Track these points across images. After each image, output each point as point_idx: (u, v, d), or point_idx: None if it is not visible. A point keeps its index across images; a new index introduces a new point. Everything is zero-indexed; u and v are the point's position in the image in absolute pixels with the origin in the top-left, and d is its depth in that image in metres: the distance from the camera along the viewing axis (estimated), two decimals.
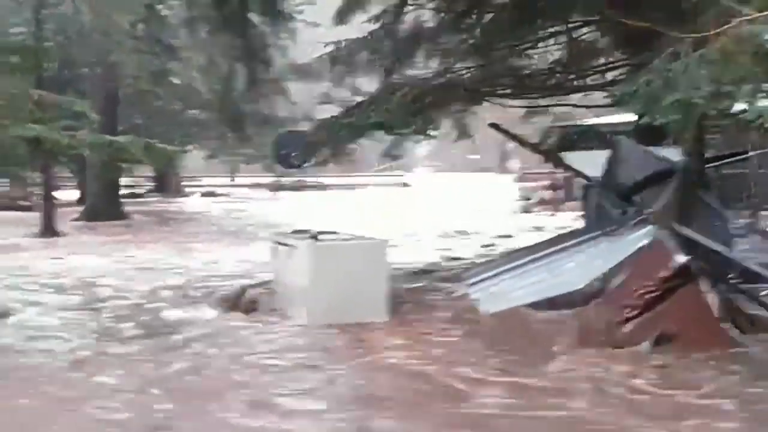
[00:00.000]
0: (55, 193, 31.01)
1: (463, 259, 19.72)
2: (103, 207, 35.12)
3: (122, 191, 38.47)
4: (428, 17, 18.49)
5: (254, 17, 21.16)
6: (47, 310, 15.35)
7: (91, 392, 10.19)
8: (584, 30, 17.45)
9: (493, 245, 22.40)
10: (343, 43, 19.59)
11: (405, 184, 50.08)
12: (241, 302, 14.99)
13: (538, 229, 25.97)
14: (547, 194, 37.87)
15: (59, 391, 10.19)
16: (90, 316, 15.05)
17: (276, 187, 46.29)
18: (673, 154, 13.59)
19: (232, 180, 52.90)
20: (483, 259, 17.86)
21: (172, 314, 14.76)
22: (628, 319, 11.22)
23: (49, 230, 29.30)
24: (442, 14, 17.92)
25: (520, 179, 41.98)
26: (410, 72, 18.83)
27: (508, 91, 18.28)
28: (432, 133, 18.95)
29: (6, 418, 9.50)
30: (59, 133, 4.34)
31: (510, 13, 16.11)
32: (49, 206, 30.06)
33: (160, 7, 33.92)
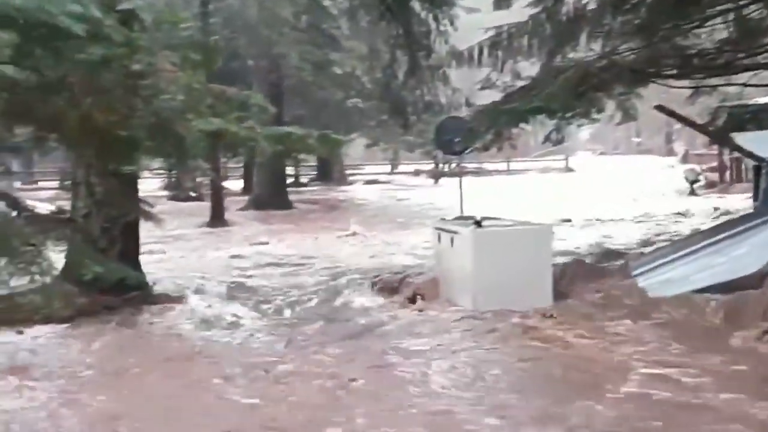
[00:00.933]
0: (224, 185, 31.62)
1: (630, 244, 19.50)
2: (269, 196, 35.57)
3: (287, 181, 38.94)
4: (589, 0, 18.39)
5: (415, 5, 21.36)
6: (215, 297, 15.82)
7: (270, 374, 10.63)
8: (753, 7, 16.81)
9: (660, 230, 22.03)
10: (504, 28, 19.77)
11: (569, 169, 49.60)
12: (405, 289, 15.07)
13: (707, 211, 25.46)
14: (715, 176, 37.17)
15: (233, 369, 10.66)
16: (263, 302, 15.47)
17: (437, 174, 46.26)
18: None
19: (394, 168, 53.03)
20: (650, 245, 17.74)
21: (340, 300, 15.11)
22: None
23: (218, 220, 29.85)
24: None
25: (686, 161, 41.39)
26: (572, 55, 18.77)
27: (674, 71, 18.06)
28: (595, 116, 18.87)
29: (192, 395, 10.02)
30: (238, 126, 4.52)
31: None
32: (217, 197, 30.63)
33: None
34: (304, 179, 46.16)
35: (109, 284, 9.54)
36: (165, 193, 33.79)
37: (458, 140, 19.09)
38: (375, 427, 8.50)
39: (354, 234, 24.05)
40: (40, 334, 12.50)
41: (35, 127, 3.59)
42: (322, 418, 9.02)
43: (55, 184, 30.71)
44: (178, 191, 36.82)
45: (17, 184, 38.50)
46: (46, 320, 12.82)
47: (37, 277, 2.75)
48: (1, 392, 10.45)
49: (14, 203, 3.39)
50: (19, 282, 9.32)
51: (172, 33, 2.85)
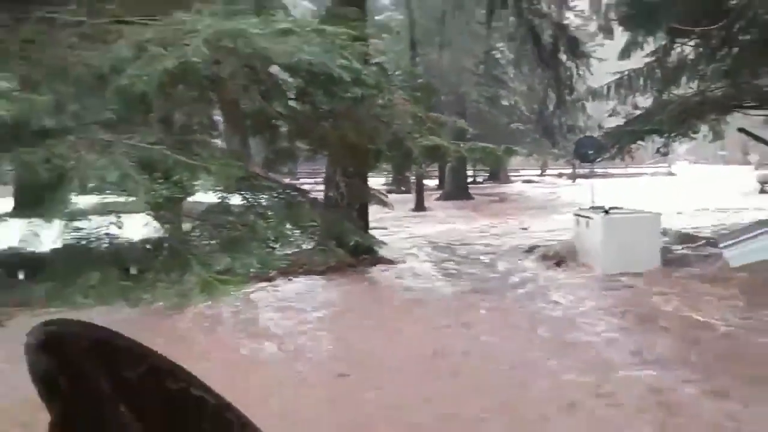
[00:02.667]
0: (424, 182, 31.85)
1: (717, 227, 19.08)
2: (455, 191, 35.56)
3: (468, 179, 38.91)
4: (689, 51, 18.16)
5: (562, 57, 21.31)
6: (424, 259, 16.24)
7: (457, 316, 10.94)
8: None
9: (738, 218, 21.40)
10: (626, 73, 19.82)
11: (671, 173, 48.86)
12: (552, 256, 15.35)
13: None
14: None
15: (436, 315, 10.92)
16: (452, 264, 15.78)
17: (574, 176, 45.89)
18: None
19: (543, 172, 52.75)
20: (731, 228, 17.40)
21: (504, 265, 15.40)
22: None
23: (420, 207, 30.13)
24: (701, 49, 17.53)
25: (758, 168, 39.76)
26: (676, 92, 18.68)
27: (752, 103, 17.71)
28: (692, 135, 18.70)
29: (406, 323, 10.36)
30: (448, 142, 4.62)
31: (754, 46, 15.75)
32: (420, 191, 30.95)
33: (494, 52, 34.36)
34: (479, 179, 46.22)
35: (348, 248, 9.78)
36: (384, 187, 34.17)
37: (591, 152, 19.07)
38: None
39: (523, 226, 23.93)
40: (304, 282, 13.05)
41: (309, 144, 3.70)
42: (502, 331, 9.36)
43: (309, 180, 31.20)
44: (394, 186, 37.18)
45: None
46: (308, 273, 13.36)
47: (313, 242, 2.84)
48: (276, 319, 10.91)
49: (303, 193, 3.56)
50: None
51: (403, 78, 2.97)
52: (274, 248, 2.54)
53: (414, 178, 30.50)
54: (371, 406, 7.25)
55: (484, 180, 46.73)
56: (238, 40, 2.28)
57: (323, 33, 2.46)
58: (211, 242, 2.53)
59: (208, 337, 10.09)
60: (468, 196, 35.67)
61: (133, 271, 2.45)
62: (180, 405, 2.73)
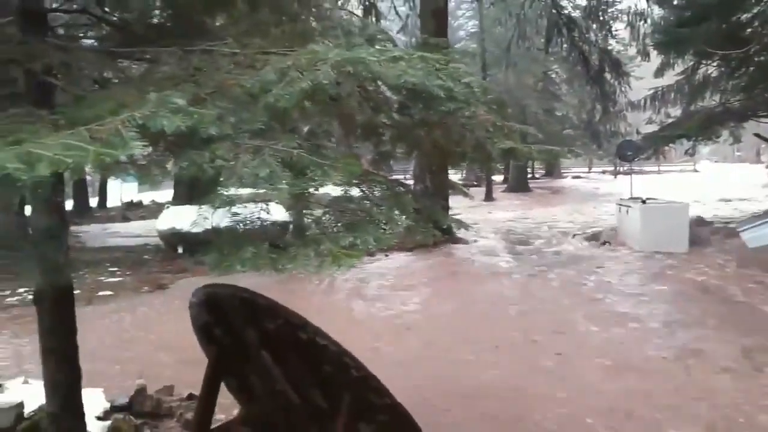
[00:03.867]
0: (493, 177, 31.84)
1: (735, 214, 18.77)
2: (518, 184, 35.44)
3: (528, 175, 38.72)
4: (713, 71, 17.90)
5: (607, 75, 20.99)
6: (492, 240, 16.19)
7: (524, 285, 10.99)
8: None
9: (753, 208, 20.94)
10: (660, 88, 19.55)
11: (695, 171, 47.89)
12: (599, 237, 15.33)
13: None
14: None
15: (498, 285, 10.94)
16: (517, 243, 15.77)
17: (616, 173, 45.27)
18: None
19: (590, 169, 52.03)
20: (746, 214, 17.22)
21: (554, 243, 15.42)
22: None
23: (489, 198, 30.11)
24: (722, 69, 17.22)
25: None
26: (701, 104, 18.50)
27: (765, 113, 17.44)
28: (715, 139, 18.37)
29: (477, 289, 10.37)
30: (521, 145, 4.57)
31: (767, 66, 15.61)
32: (489, 184, 30.95)
33: (550, 72, 33.96)
34: (537, 175, 45.83)
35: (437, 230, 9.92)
36: (461, 181, 34.30)
37: (630, 153, 18.94)
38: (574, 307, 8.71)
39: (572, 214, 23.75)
40: (398, 257, 13.16)
41: (407, 147, 3.73)
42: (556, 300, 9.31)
43: (398, 176, 31.54)
44: (468, 180, 37.24)
45: None
46: (400, 249, 13.46)
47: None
48: (377, 285, 11.00)
49: (405, 185, 3.58)
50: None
51: (480, 93, 2.97)
52: (385, 230, 2.57)
53: (484, 173, 30.56)
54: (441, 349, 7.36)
55: (541, 176, 46.34)
56: (358, 66, 2.30)
57: (425, 59, 2.47)
58: (338, 225, 2.56)
59: (325, 298, 10.25)
60: (528, 189, 35.49)
61: (279, 246, 2.52)
62: (308, 351, 2.79)
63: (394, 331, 8.33)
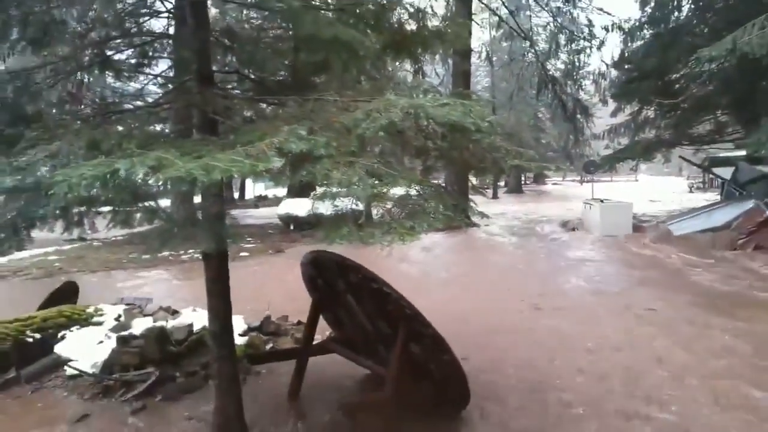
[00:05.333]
0: (498, 183, 31.34)
1: (664, 212, 18.08)
2: (515, 187, 34.82)
3: (522, 181, 37.97)
4: (651, 113, 17.27)
5: (579, 116, 20.37)
6: (498, 225, 15.85)
7: (515, 250, 10.71)
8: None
9: (677, 207, 20.18)
10: (614, 125, 19.19)
11: (636, 180, 46.29)
12: (568, 225, 14.88)
13: (699, 200, 23.11)
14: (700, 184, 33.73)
15: (504, 251, 10.71)
16: (514, 227, 15.40)
17: (582, 182, 44.00)
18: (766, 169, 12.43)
19: (563, 179, 50.64)
20: (673, 213, 16.56)
21: (540, 229, 14.97)
22: (742, 239, 10.04)
23: (495, 196, 29.56)
24: (657, 111, 16.64)
25: (688, 179, 37.07)
26: (642, 135, 17.87)
27: (688, 143, 16.76)
28: (652, 159, 17.67)
29: (479, 258, 10.16)
30: (526, 162, 4.33)
31: (689, 111, 14.97)
32: (495, 187, 30.38)
33: (538, 113, 33.16)
34: (528, 181, 44.82)
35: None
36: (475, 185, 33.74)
37: (593, 168, 18.46)
38: (560, 271, 8.49)
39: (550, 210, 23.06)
40: (433, 235, 12.99)
41: (445, 163, 3.71)
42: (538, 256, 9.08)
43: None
44: (481, 186, 36.67)
45: None
46: (434, 231, 13.30)
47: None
48: (416, 254, 10.92)
49: (444, 187, 3.51)
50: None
51: (498, 127, 2.92)
52: (434, 217, 2.55)
53: (492, 180, 30.11)
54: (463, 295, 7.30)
55: (530, 182, 45.38)
56: (419, 109, 2.29)
57: (464, 105, 2.45)
58: (402, 214, 2.56)
59: (382, 262, 10.22)
60: (521, 191, 34.79)
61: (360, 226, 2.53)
62: (377, 296, 2.81)
63: (432, 283, 8.30)
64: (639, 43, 16.27)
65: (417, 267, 9.74)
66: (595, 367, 4.59)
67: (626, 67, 16.94)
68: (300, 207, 14.79)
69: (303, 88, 3.42)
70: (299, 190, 15.89)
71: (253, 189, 34.89)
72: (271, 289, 7.69)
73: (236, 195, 32.49)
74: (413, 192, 2.71)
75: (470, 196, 4.22)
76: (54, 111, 4.15)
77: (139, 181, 2.07)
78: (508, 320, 6.07)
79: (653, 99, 15.49)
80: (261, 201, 30.16)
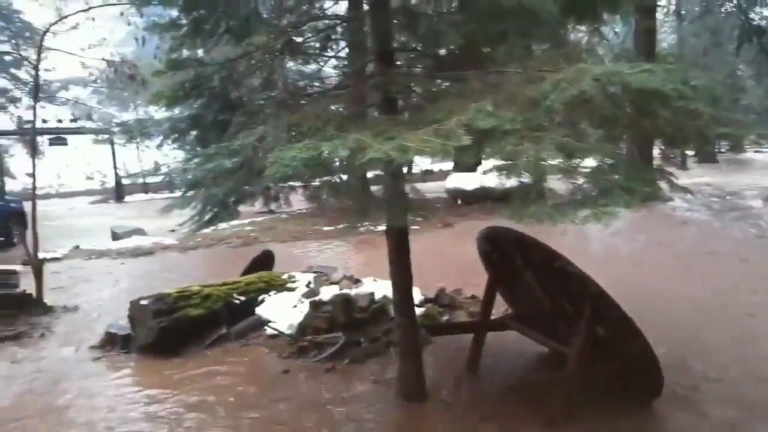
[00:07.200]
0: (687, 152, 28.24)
1: None
2: (707, 156, 30.86)
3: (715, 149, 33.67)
4: None
5: None
6: (688, 199, 14.27)
7: None
8: None
9: None
10: None
11: None
12: None
13: None
14: None
15: (698, 229, 9.92)
16: (707, 203, 13.79)
17: None
18: None
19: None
20: None
21: (742, 203, 13.20)
22: None
23: (684, 167, 26.64)
24: None
25: None
26: None
27: None
28: None
29: (674, 237, 9.49)
30: (734, 130, 3.73)
31: None
32: (684, 157, 27.30)
33: (737, 70, 28.99)
34: (723, 149, 39.57)
35: None
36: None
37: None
38: None
39: None
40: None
41: (634, 132, 3.40)
42: None
43: None
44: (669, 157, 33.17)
45: None
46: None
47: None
48: (601, 235, 10.27)
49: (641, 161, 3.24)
50: None
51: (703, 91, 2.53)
52: (630, 195, 2.38)
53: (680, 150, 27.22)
54: None
55: (726, 150, 40.07)
56: (613, 77, 2.13)
57: (667, 69, 2.23)
58: (595, 190, 2.42)
59: (556, 238, 9.76)
60: (715, 161, 30.40)
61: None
62: (559, 274, 2.72)
63: (614, 262, 7.80)
64: None
65: (596, 244, 9.18)
66: None
67: None
68: (468, 181, 14.78)
69: (480, 61, 3.37)
70: (465, 165, 15.87)
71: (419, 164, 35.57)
72: (443, 263, 7.82)
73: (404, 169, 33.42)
74: (605, 166, 2.55)
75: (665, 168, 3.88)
76: (253, 97, 4.59)
77: (336, 161, 2.23)
78: (705, 306, 5.51)
79: None
80: (427, 175, 30.70)
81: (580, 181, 2.41)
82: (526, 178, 2.35)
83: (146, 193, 28.42)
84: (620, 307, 3.20)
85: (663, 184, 3.26)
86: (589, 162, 2.39)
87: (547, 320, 4.02)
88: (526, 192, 2.42)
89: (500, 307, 4.81)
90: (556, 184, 2.54)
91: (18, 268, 6.96)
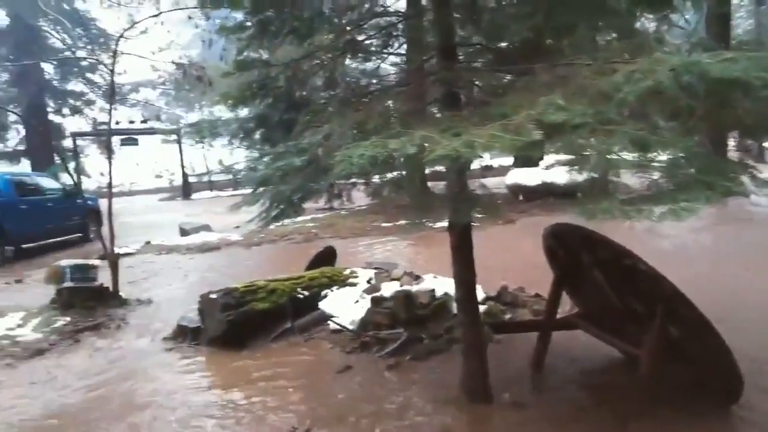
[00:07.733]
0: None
1: None
2: None
3: None
4: None
5: None
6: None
7: None
8: None
9: None
10: None
11: None
12: None
13: None
14: None
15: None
16: None
17: None
18: None
19: None
20: None
21: None
22: None
23: (761, 160, 25.18)
24: None
25: None
26: None
27: None
28: None
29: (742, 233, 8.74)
30: None
31: None
32: (761, 149, 25.83)
33: None
34: None
35: None
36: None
37: None
38: None
39: None
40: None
41: (708, 124, 3.24)
42: None
43: None
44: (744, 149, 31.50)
45: None
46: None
47: None
48: (669, 231, 9.86)
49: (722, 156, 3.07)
50: None
51: None
52: (710, 190, 2.28)
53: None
54: None
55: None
56: (691, 67, 2.04)
57: (751, 58, 2.12)
58: (671, 185, 2.33)
59: (625, 234, 9.41)
60: None
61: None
62: (630, 272, 2.62)
63: (688, 260, 7.44)
64: None
65: (668, 240, 8.79)
66: None
67: None
68: (529, 177, 14.49)
69: (545, 54, 3.30)
70: (526, 160, 15.55)
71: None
72: (505, 260, 7.71)
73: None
74: (681, 160, 2.45)
75: (746, 161, 3.67)
76: (316, 96, 4.66)
77: (402, 159, 2.23)
78: None
79: None
80: (487, 171, 30.31)
81: (656, 176, 2.32)
82: (597, 173, 2.28)
83: (212, 190, 29.42)
84: (696, 307, 3.06)
85: (744, 178, 3.10)
86: (661, 156, 2.29)
87: (615, 319, 3.90)
88: (599, 187, 2.35)
89: (565, 306, 4.70)
90: (627, 179, 2.45)
91: (96, 262, 7.37)
